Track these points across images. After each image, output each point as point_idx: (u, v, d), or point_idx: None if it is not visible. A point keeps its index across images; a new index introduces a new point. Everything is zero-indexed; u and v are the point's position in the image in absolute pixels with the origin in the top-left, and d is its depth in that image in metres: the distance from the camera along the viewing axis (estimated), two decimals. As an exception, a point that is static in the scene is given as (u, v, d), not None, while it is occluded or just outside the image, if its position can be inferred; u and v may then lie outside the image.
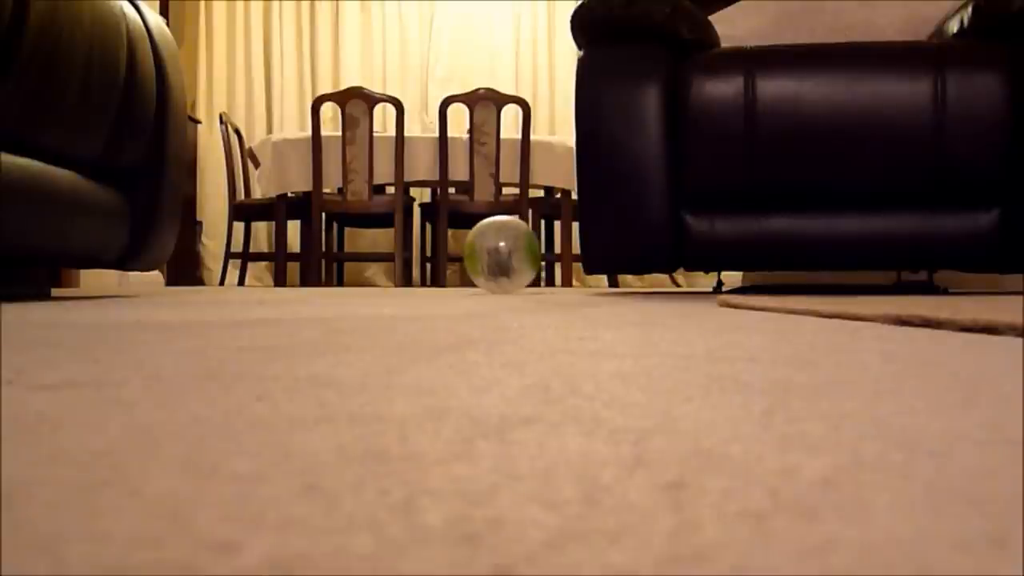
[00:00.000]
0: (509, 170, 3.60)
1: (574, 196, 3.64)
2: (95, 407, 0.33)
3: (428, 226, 4.12)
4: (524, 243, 2.04)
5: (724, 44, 1.98)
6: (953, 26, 1.99)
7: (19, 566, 0.15)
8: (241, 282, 4.11)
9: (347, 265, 4.52)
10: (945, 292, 2.01)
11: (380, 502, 0.19)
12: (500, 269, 2.02)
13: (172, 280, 4.20)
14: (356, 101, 3.51)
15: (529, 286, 3.61)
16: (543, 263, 4.07)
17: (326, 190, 3.61)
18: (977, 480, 0.21)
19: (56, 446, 0.25)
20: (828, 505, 0.19)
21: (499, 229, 2.04)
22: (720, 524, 0.17)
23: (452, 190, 3.69)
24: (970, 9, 1.91)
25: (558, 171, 3.68)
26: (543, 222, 4.08)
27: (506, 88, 4.65)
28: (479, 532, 0.17)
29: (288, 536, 0.17)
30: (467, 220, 3.75)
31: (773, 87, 1.77)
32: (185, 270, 4.41)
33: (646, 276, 4.42)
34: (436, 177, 3.62)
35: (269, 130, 4.75)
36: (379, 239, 4.56)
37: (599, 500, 0.19)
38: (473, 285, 3.37)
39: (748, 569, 0.15)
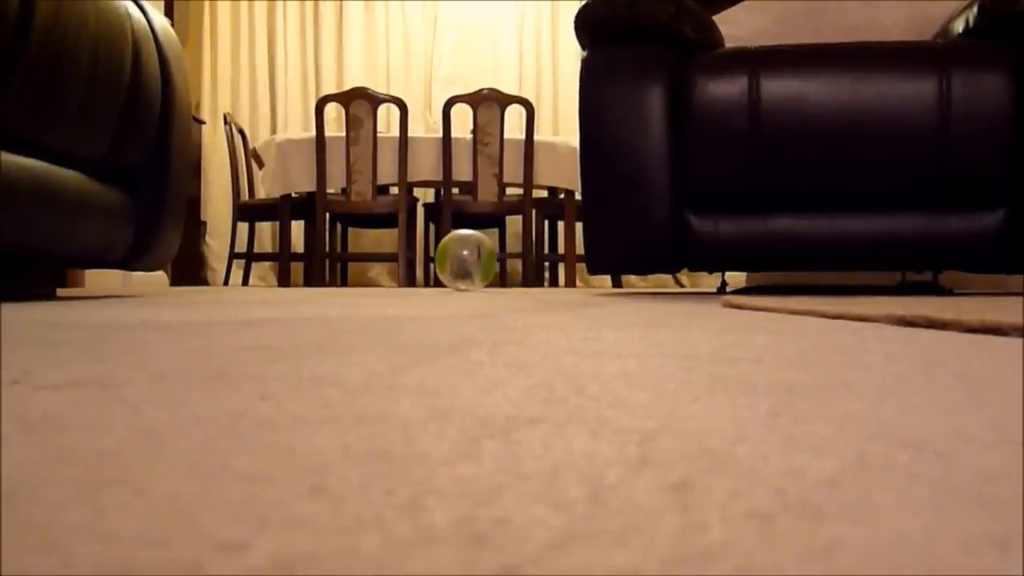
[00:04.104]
0: (512, 170, 3.60)
1: (577, 196, 3.64)
2: (100, 407, 0.33)
3: (432, 226, 4.13)
4: (484, 253, 2.46)
5: (728, 44, 1.98)
6: (958, 26, 1.98)
7: (25, 565, 0.15)
8: (245, 282, 4.12)
9: (351, 265, 4.52)
10: (950, 293, 2.01)
11: (386, 502, 0.19)
12: (463, 273, 2.44)
13: (176, 280, 4.20)
14: (360, 101, 3.52)
15: (532, 286, 3.61)
16: (546, 263, 4.08)
17: (330, 190, 3.61)
18: (983, 481, 0.21)
19: (62, 445, 0.25)
20: (834, 505, 0.19)
21: (464, 241, 2.46)
22: (726, 524, 0.17)
23: (456, 190, 3.70)
24: (975, 9, 1.90)
25: (561, 171, 3.68)
26: (546, 222, 4.08)
27: (509, 88, 4.65)
28: (485, 532, 0.17)
29: (294, 536, 0.17)
30: (471, 220, 3.75)
31: (777, 87, 1.77)
32: (189, 270, 4.42)
33: (650, 276, 4.41)
34: (440, 177, 3.62)
35: (273, 130, 4.76)
36: (383, 239, 4.56)
37: (605, 500, 0.19)
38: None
39: (754, 569, 0.15)
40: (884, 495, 0.20)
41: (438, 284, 3.85)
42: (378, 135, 3.54)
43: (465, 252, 2.44)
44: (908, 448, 0.25)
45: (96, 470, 0.22)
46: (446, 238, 2.51)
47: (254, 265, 4.34)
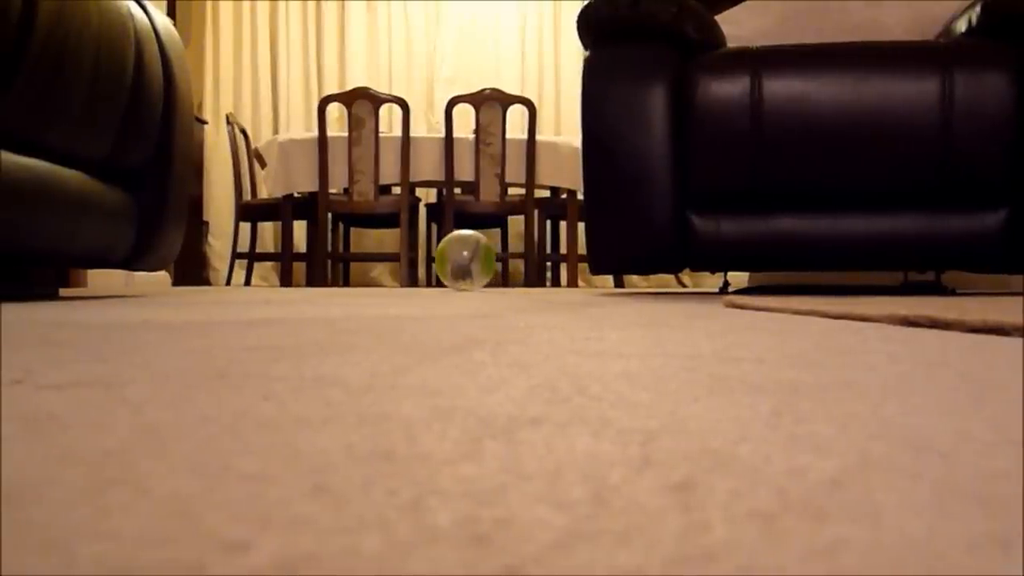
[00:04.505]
0: (515, 170, 3.60)
1: (579, 196, 3.64)
2: (103, 407, 0.33)
3: (434, 226, 4.13)
4: (482, 253, 2.49)
5: (730, 44, 1.98)
6: (961, 25, 1.98)
7: (27, 565, 0.15)
8: (247, 282, 4.12)
9: (353, 265, 4.52)
10: (952, 293, 2.00)
11: (388, 502, 0.19)
12: (462, 273, 2.47)
13: (178, 280, 4.21)
14: (362, 101, 3.52)
15: (534, 286, 3.61)
16: (548, 263, 4.08)
17: (332, 190, 3.61)
18: (985, 481, 0.21)
19: (64, 445, 0.25)
20: (836, 505, 0.19)
21: (463, 241, 2.49)
22: (728, 524, 0.17)
23: (458, 190, 3.70)
24: (978, 8, 1.90)
25: (563, 171, 3.68)
26: (548, 222, 4.08)
27: (512, 88, 4.65)
28: (488, 532, 0.17)
29: (297, 536, 0.17)
30: (473, 220, 3.75)
31: (779, 87, 1.77)
32: (191, 270, 4.42)
33: (652, 277, 4.41)
34: (442, 177, 3.62)
35: (275, 130, 4.76)
36: (385, 239, 4.56)
37: (607, 500, 0.19)
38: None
39: (757, 569, 0.15)
40: (886, 495, 0.20)
41: (440, 284, 3.85)
42: (380, 135, 3.54)
43: (464, 252, 2.46)
44: (910, 448, 0.25)
45: (99, 470, 0.22)
46: (445, 239, 2.53)
47: (256, 265, 4.34)
